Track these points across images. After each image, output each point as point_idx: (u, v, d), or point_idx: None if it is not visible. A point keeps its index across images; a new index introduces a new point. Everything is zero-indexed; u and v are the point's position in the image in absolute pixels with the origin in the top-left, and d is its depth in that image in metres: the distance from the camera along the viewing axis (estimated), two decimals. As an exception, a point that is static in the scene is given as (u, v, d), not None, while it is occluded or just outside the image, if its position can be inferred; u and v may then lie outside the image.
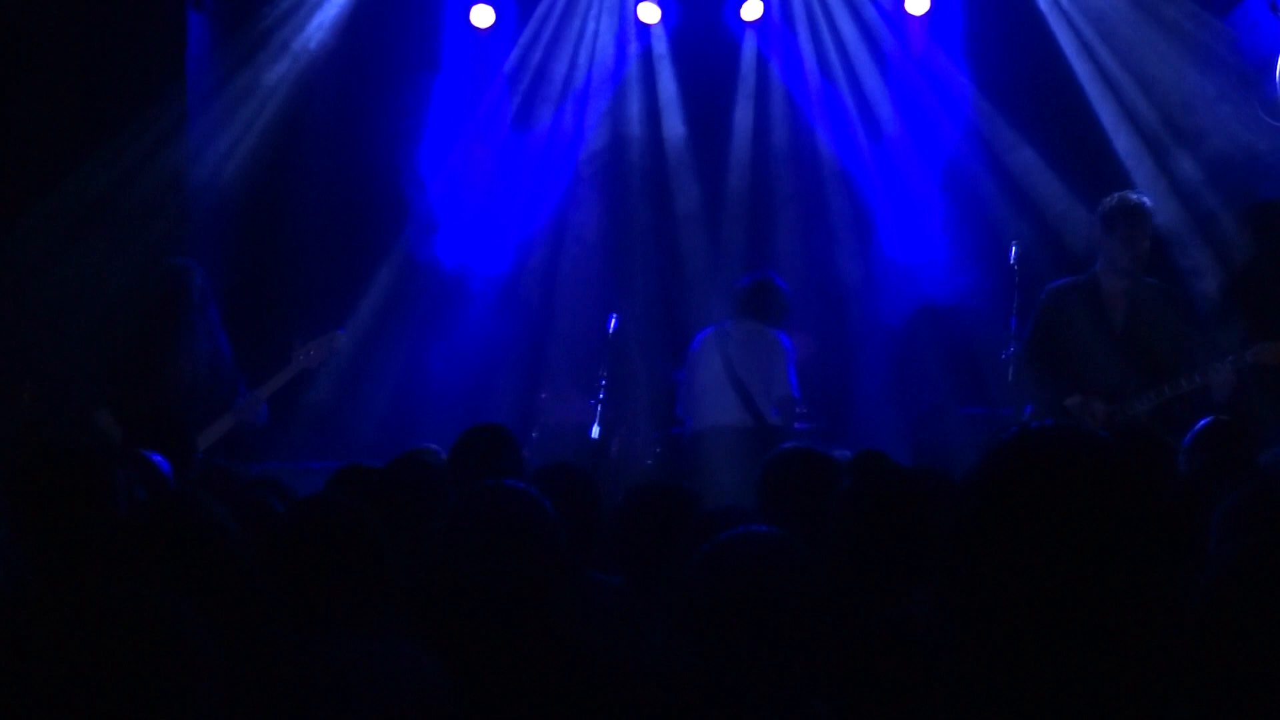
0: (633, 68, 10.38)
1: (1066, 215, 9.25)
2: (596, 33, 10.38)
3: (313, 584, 3.17)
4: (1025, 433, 1.95)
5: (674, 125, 10.41)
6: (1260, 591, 2.11)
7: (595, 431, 8.26)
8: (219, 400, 7.59)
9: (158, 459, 4.28)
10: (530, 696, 3.25)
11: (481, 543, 3.54)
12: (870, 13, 10.16)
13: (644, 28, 10.35)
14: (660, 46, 10.39)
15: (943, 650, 1.93)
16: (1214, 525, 3.26)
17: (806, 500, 4.33)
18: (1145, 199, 7.43)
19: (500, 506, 3.59)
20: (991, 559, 1.88)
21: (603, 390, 8.28)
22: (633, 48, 10.37)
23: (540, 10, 10.35)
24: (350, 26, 9.95)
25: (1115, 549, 1.86)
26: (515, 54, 10.31)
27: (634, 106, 10.39)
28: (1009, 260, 7.63)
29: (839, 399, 9.69)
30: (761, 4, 10.21)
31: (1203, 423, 5.37)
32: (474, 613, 3.44)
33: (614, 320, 8.69)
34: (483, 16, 10.17)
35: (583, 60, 10.39)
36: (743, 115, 10.39)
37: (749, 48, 10.36)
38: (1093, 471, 1.89)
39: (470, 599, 3.47)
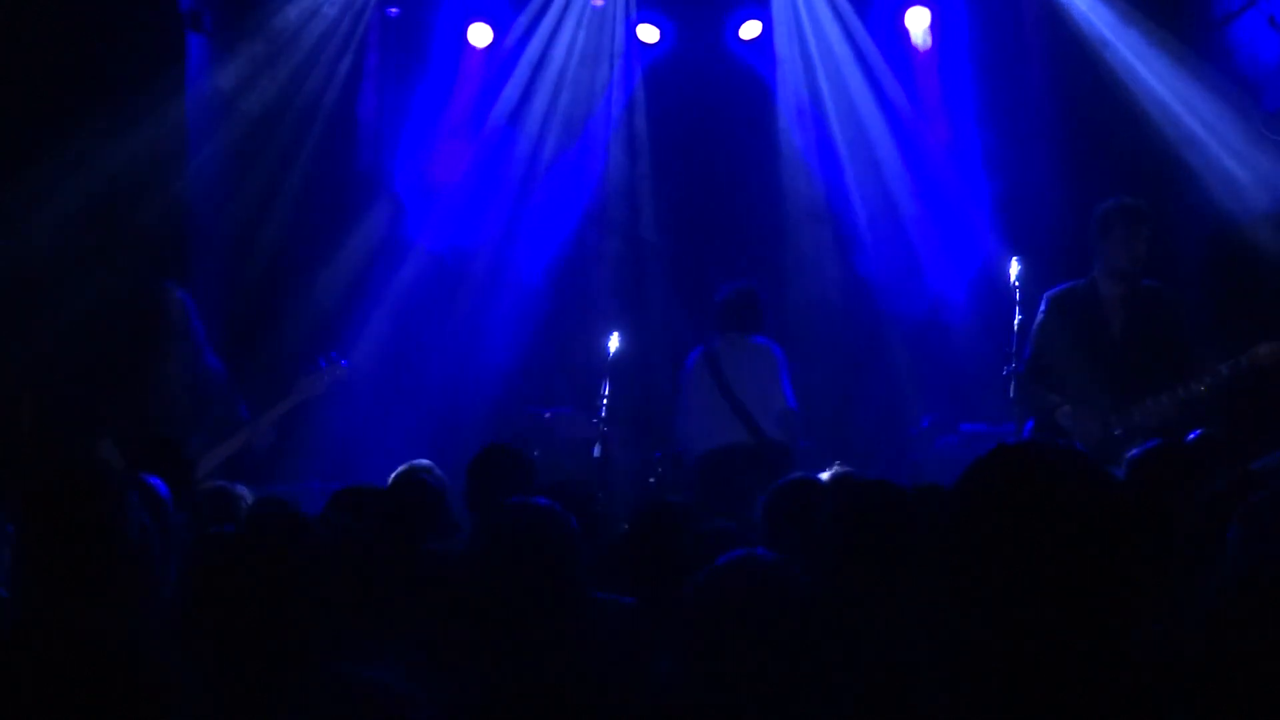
0: (631, 87, 10.39)
1: (1067, 228, 9.25)
2: (595, 53, 10.40)
3: (310, 606, 3.16)
4: (1001, 450, 1.97)
5: (673, 143, 10.44)
6: (1266, 602, 2.11)
7: (597, 450, 8.23)
8: (215, 421, 7.58)
9: (156, 482, 4.28)
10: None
11: (509, 558, 3.54)
12: (868, 35, 10.18)
13: (643, 47, 10.37)
14: (658, 66, 10.41)
15: (934, 663, 1.93)
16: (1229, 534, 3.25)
17: (807, 528, 4.33)
18: (1142, 201, 7.43)
19: (527, 522, 3.61)
20: (973, 573, 1.89)
21: (604, 408, 8.25)
22: (629, 67, 10.40)
23: (538, 31, 10.36)
24: (351, 45, 9.97)
25: (1094, 560, 1.86)
26: (514, 74, 10.33)
27: (633, 125, 10.40)
28: (1009, 277, 7.61)
29: (840, 416, 9.68)
30: (760, 24, 10.23)
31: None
32: (495, 630, 3.44)
33: (616, 337, 8.67)
34: (480, 36, 10.18)
35: (581, 81, 10.40)
36: (743, 133, 10.41)
37: (747, 66, 10.37)
38: (1068, 486, 1.90)
39: (493, 616, 3.46)
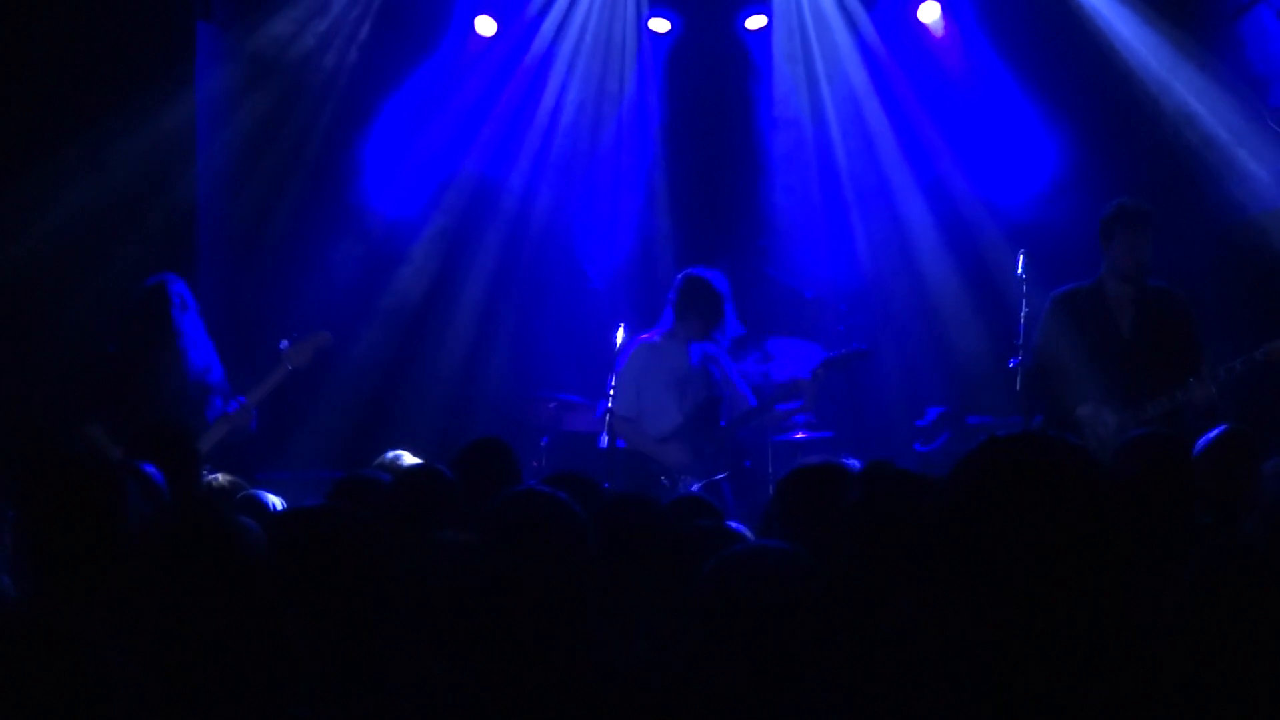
0: (642, 79, 10.40)
1: (1079, 225, 9.24)
2: (606, 45, 10.40)
3: (313, 595, 3.16)
4: (993, 441, 1.95)
5: (682, 135, 10.44)
6: (1239, 592, 2.11)
7: (603, 440, 8.23)
8: (213, 410, 7.58)
9: (151, 470, 4.27)
10: (550, 708, 3.23)
11: (515, 547, 3.54)
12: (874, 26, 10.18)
13: (654, 38, 10.38)
14: (670, 57, 10.42)
15: (932, 652, 1.93)
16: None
17: (821, 513, 4.30)
18: (1144, 204, 7.41)
19: (533, 512, 3.61)
20: (967, 563, 1.88)
21: (610, 399, 8.25)
22: (641, 58, 10.41)
23: (547, 21, 10.35)
24: (359, 36, 9.97)
25: (1086, 551, 1.85)
26: (525, 64, 10.32)
27: (643, 117, 10.41)
28: (1017, 270, 7.60)
29: (847, 408, 9.67)
30: (765, 17, 10.25)
31: (1217, 431, 5.32)
32: (506, 621, 3.43)
33: (622, 330, 8.66)
34: (486, 26, 10.18)
35: (592, 71, 10.40)
36: (751, 125, 10.40)
37: (753, 58, 10.38)
38: (1062, 477, 1.89)
39: (503, 607, 3.46)
